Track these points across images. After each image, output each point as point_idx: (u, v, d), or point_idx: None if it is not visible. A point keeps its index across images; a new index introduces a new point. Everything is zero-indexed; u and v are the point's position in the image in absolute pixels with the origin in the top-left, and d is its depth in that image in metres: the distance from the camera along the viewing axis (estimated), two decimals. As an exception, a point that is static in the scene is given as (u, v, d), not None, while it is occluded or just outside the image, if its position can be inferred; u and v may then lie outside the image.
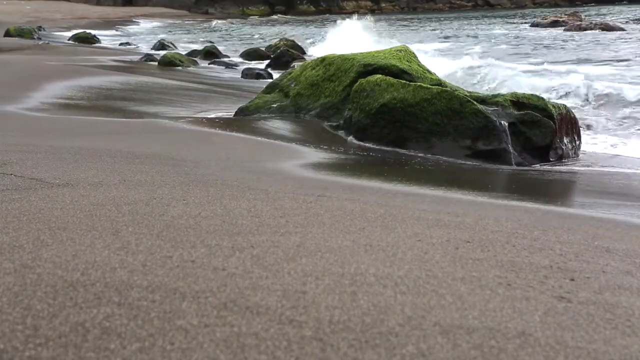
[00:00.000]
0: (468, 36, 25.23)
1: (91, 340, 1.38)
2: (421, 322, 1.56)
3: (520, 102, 5.74)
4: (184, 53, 16.73)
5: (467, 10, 58.30)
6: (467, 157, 5.42)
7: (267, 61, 15.89)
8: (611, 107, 8.56)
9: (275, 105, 6.90)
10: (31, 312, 1.50)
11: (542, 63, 14.22)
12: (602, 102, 8.82)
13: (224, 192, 2.87)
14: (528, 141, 5.60)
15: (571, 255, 2.24)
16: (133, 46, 21.33)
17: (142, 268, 1.81)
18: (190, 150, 4.19)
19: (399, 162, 5.08)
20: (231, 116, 7.01)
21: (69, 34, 24.40)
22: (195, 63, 14.85)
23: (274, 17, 53.95)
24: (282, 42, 19.10)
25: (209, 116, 6.95)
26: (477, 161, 5.36)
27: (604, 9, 44.24)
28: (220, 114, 7.26)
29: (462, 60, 12.78)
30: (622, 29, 23.58)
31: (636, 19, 29.62)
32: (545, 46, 19.27)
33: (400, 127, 5.68)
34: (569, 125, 5.96)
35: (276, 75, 11.41)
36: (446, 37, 25.51)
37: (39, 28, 25.44)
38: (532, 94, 6.03)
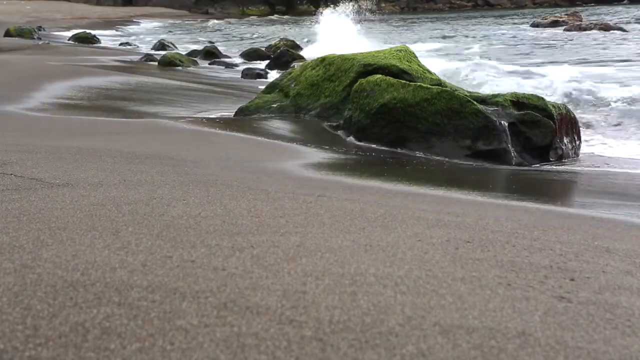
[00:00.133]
0: (467, 37, 25.22)
1: (91, 340, 1.38)
2: (421, 322, 1.56)
3: (520, 102, 5.74)
4: (184, 53, 16.73)
5: (467, 10, 58.30)
6: (467, 157, 5.42)
7: (267, 61, 15.90)
8: (606, 107, 8.56)
9: (275, 105, 6.90)
10: (31, 312, 1.50)
11: (542, 63, 14.23)
12: (594, 102, 8.82)
13: (224, 192, 2.87)
14: (528, 141, 5.60)
15: (571, 255, 2.25)
16: (133, 46, 21.33)
17: (142, 268, 1.81)
18: (190, 150, 4.19)
19: (399, 162, 5.08)
20: (231, 116, 7.01)
21: (69, 34, 24.40)
22: (195, 63, 14.85)
23: (273, 17, 53.93)
24: (282, 42, 19.10)
25: (209, 116, 6.95)
26: (477, 161, 5.36)
27: (604, 9, 44.24)
28: (220, 114, 7.26)
29: (450, 62, 12.81)
30: (622, 29, 23.58)
31: (637, 19, 29.62)
32: (542, 47, 19.26)
33: (400, 127, 5.68)
34: (569, 125, 5.96)
35: (276, 75, 11.41)
36: (445, 37, 25.49)
37: (39, 28, 25.43)
38: (532, 94, 6.03)
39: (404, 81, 5.92)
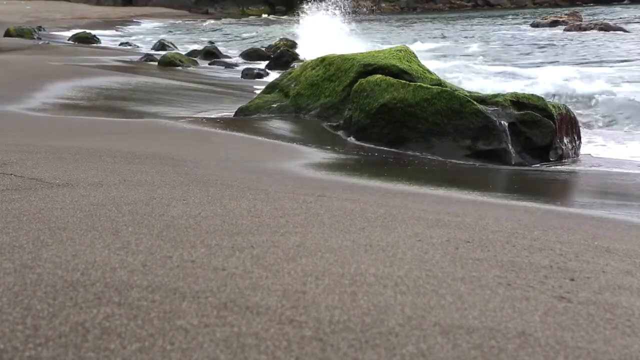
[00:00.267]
0: (466, 37, 25.22)
1: (91, 340, 1.38)
2: (421, 322, 1.56)
3: (520, 102, 5.74)
4: (184, 53, 16.73)
5: (467, 10, 58.25)
6: (467, 157, 5.42)
7: (267, 61, 15.89)
8: (604, 107, 8.56)
9: (275, 105, 6.91)
10: (31, 312, 1.50)
11: (542, 63, 14.23)
12: (593, 102, 8.82)
13: (224, 192, 2.87)
14: (528, 141, 5.60)
15: (571, 255, 2.25)
16: (133, 46, 21.32)
17: (142, 268, 1.81)
18: (190, 150, 4.19)
19: (399, 162, 5.09)
20: (231, 116, 7.01)
21: (69, 34, 24.38)
22: (195, 63, 14.84)
23: (270, 17, 53.87)
24: (282, 42, 19.08)
25: (209, 116, 6.95)
26: (477, 161, 5.36)
27: (604, 9, 44.23)
28: (220, 114, 7.26)
29: (431, 62, 12.79)
30: (622, 29, 23.56)
31: (637, 19, 29.61)
32: (542, 47, 19.24)
33: (400, 127, 5.68)
34: (569, 125, 5.96)
35: (276, 75, 11.39)
36: (444, 37, 25.48)
37: (39, 28, 25.40)
38: (532, 94, 6.03)
39: (404, 81, 5.92)
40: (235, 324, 1.50)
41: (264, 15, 55.69)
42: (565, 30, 25.06)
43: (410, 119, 5.64)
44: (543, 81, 10.22)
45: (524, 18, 37.75)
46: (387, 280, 1.83)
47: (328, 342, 1.44)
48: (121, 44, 22.16)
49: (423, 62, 6.98)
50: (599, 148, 6.54)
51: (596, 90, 9.30)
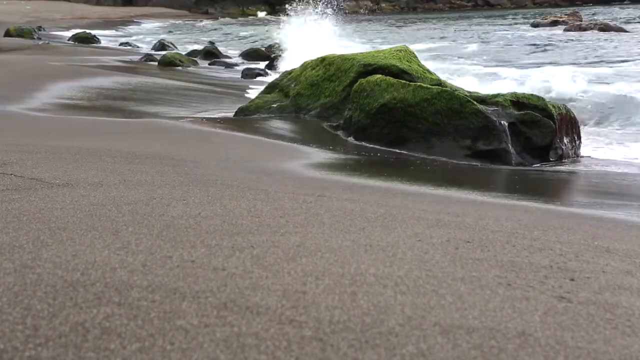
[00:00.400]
0: (465, 37, 25.22)
1: (91, 340, 1.38)
2: (421, 322, 1.56)
3: (520, 102, 5.74)
4: (184, 53, 16.72)
5: (467, 10, 58.26)
6: (467, 157, 5.42)
7: (267, 61, 15.88)
8: (603, 107, 8.55)
9: (275, 105, 6.91)
10: (31, 312, 1.50)
11: (542, 63, 14.22)
12: (590, 103, 8.81)
13: (224, 192, 2.87)
14: (528, 141, 5.60)
15: (571, 255, 2.25)
16: (133, 46, 21.32)
17: (142, 268, 1.81)
18: (190, 150, 4.19)
19: (399, 162, 5.09)
20: (231, 116, 7.01)
21: (69, 34, 24.40)
22: (195, 63, 14.84)
23: (269, 17, 53.84)
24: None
25: (209, 116, 6.95)
26: (477, 161, 5.36)
27: (604, 9, 44.24)
28: (220, 114, 7.26)
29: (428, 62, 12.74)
30: (622, 29, 23.55)
31: (637, 20, 29.61)
32: (541, 47, 19.23)
33: (400, 127, 5.68)
34: (569, 125, 5.96)
35: (276, 75, 11.36)
36: (443, 37, 25.47)
37: (39, 28, 25.41)
38: (532, 94, 6.03)
39: (404, 81, 5.92)
40: (235, 324, 1.50)
41: (261, 15, 55.67)
42: (565, 30, 25.06)
43: (410, 119, 5.64)
44: (534, 80, 10.20)
45: (524, 18, 37.76)
46: (387, 280, 1.83)
47: (328, 342, 1.44)
48: (121, 44, 22.16)
49: (422, 62, 6.98)
50: (598, 148, 6.54)
51: (592, 89, 9.30)
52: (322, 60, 6.93)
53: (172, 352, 1.36)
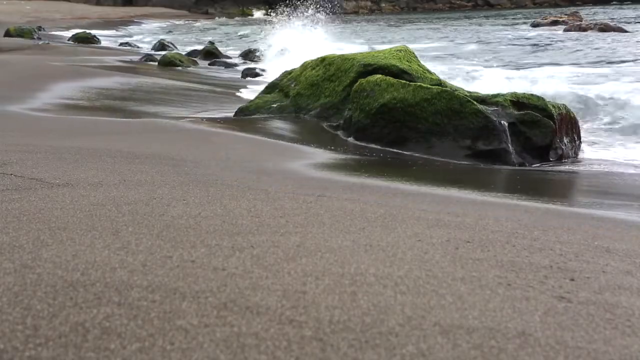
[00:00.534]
0: (465, 37, 25.21)
1: (91, 340, 1.38)
2: (421, 322, 1.56)
3: (520, 102, 5.74)
4: (183, 53, 16.72)
5: (467, 10, 58.26)
6: (467, 157, 5.42)
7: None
8: (602, 107, 8.54)
9: (275, 105, 6.91)
10: (31, 312, 1.50)
11: (542, 64, 14.22)
12: (589, 103, 8.79)
13: (224, 192, 2.87)
14: (528, 141, 5.60)
15: (571, 255, 2.25)
16: (133, 46, 21.31)
17: (142, 268, 1.81)
18: (190, 150, 4.19)
19: (399, 162, 5.09)
20: (231, 116, 7.01)
21: (69, 34, 24.39)
22: (195, 63, 14.84)
23: (268, 17, 53.86)
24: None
25: (209, 116, 6.95)
26: (477, 161, 5.36)
27: (604, 9, 44.23)
28: (220, 114, 7.27)
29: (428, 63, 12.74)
30: (622, 29, 23.54)
31: (637, 19, 29.60)
32: (541, 47, 19.22)
33: (400, 127, 5.68)
34: (569, 125, 5.96)
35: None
36: (442, 37, 25.47)
37: (39, 28, 25.41)
38: (532, 94, 6.03)
39: (404, 81, 5.92)
40: (235, 324, 1.50)
41: (258, 15, 55.67)
42: (565, 30, 25.05)
43: (410, 119, 5.64)
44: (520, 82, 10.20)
45: (524, 18, 37.75)
46: (387, 280, 1.83)
47: (328, 342, 1.44)
48: (121, 44, 22.16)
49: (422, 62, 6.98)
50: (598, 148, 6.54)
51: (592, 89, 9.29)
52: (322, 60, 6.93)
53: (172, 352, 1.36)
